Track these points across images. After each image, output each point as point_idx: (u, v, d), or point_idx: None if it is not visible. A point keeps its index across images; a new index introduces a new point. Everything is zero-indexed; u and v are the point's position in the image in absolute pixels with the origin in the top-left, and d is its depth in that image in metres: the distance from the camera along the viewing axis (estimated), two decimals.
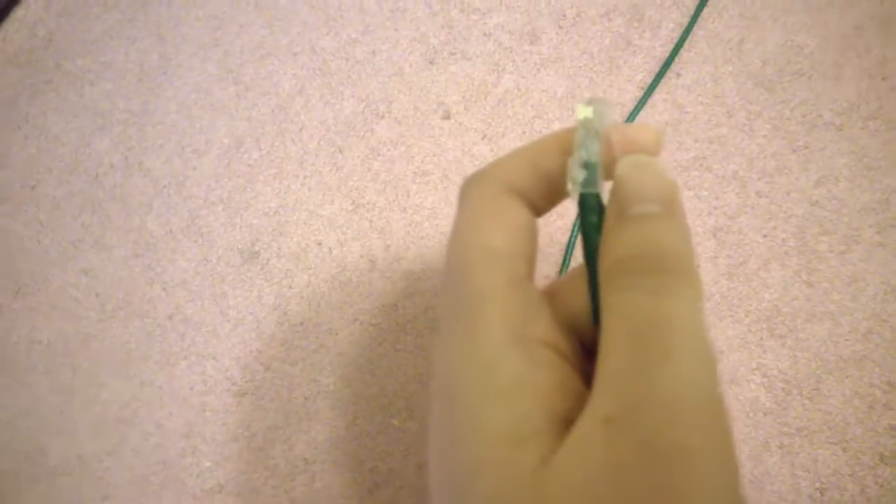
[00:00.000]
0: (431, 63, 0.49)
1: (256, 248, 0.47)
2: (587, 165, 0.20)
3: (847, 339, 0.44)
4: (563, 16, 0.49)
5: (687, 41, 0.48)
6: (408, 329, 0.45)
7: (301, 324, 0.46)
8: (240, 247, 0.47)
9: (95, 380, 0.46)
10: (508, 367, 0.17)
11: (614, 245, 0.18)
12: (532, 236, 0.21)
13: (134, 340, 0.46)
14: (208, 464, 0.44)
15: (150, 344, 0.46)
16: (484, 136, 0.48)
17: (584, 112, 0.20)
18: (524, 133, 0.48)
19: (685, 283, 0.17)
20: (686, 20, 0.48)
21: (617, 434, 0.14)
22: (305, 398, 0.45)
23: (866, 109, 0.47)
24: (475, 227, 0.20)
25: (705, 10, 0.48)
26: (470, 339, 0.18)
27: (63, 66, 0.52)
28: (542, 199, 0.22)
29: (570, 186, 0.20)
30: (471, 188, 0.22)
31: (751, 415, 0.43)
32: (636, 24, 0.48)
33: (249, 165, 0.49)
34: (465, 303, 0.18)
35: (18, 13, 0.52)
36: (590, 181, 0.20)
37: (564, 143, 0.21)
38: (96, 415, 0.45)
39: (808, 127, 0.47)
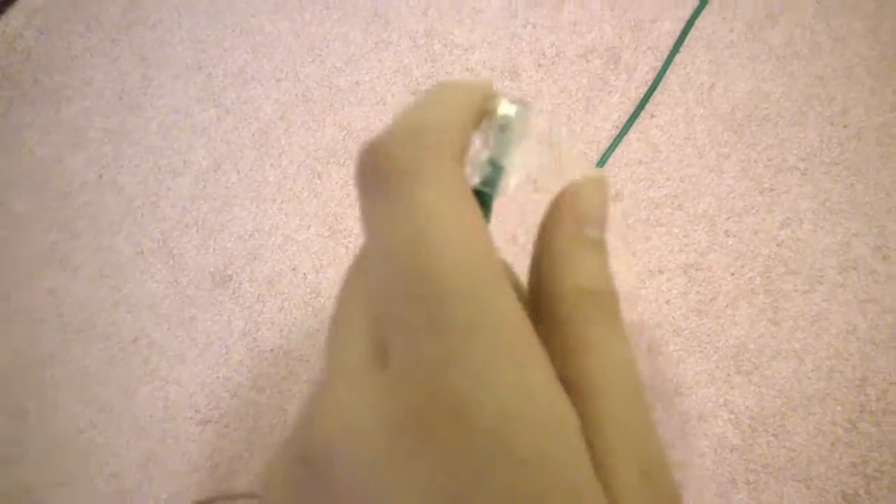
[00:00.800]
0: (413, 94, 0.51)
1: (229, 272, 0.47)
2: (493, 164, 0.19)
3: (810, 378, 0.45)
4: (543, 55, 0.51)
5: (661, 84, 0.50)
6: None
7: (271, 350, 0.46)
8: (212, 270, 0.47)
9: (52, 403, 0.45)
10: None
11: (579, 268, 0.18)
12: None
13: (95, 363, 0.46)
14: (165, 496, 0.43)
15: (112, 368, 0.46)
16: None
17: (507, 109, 0.19)
18: None
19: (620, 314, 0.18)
20: (660, 64, 0.51)
21: None
22: (272, 427, 0.44)
23: (828, 155, 0.50)
24: (464, 227, 0.15)
25: (678, 55, 0.51)
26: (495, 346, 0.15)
27: (41, 81, 0.52)
28: None
29: (468, 171, 0.19)
30: (420, 155, 0.16)
31: (718, 451, 0.44)
32: (613, 66, 0.51)
33: (226, 188, 0.49)
34: (487, 328, 0.15)
35: None
36: (490, 181, 0.19)
37: (476, 107, 0.18)
38: (50, 439, 0.44)
39: (774, 170, 0.50)
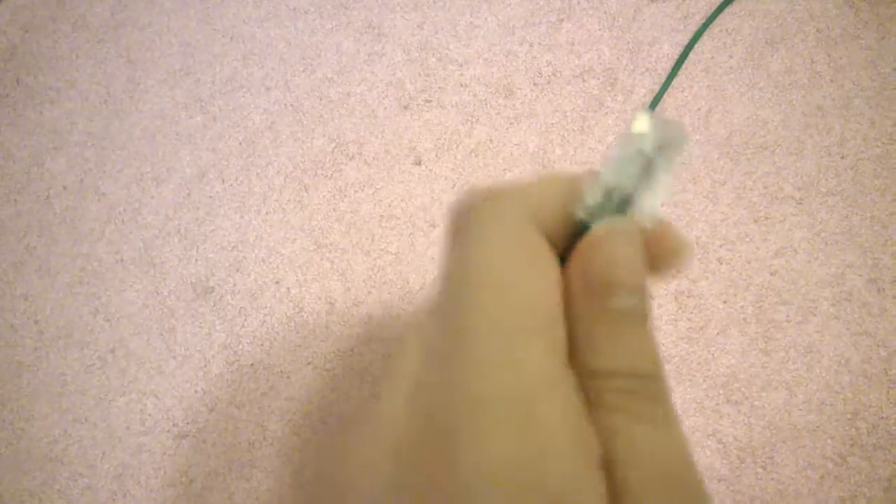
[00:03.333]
0: (406, 108, 0.55)
1: (211, 284, 0.51)
2: (607, 191, 0.18)
3: (801, 409, 0.49)
4: (539, 73, 0.56)
5: (657, 107, 0.55)
6: (363, 376, 0.49)
7: (251, 365, 0.49)
8: (193, 281, 0.51)
9: (25, 412, 0.48)
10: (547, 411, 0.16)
11: (603, 353, 0.16)
12: (561, 290, 0.18)
13: (71, 373, 0.49)
14: None
15: (88, 377, 0.49)
16: (454, 185, 0.53)
17: (640, 126, 0.18)
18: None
19: (672, 411, 0.16)
20: (657, 87, 0.55)
21: None
22: (250, 444, 0.48)
23: (825, 185, 0.54)
24: (506, 272, 0.17)
25: (676, 79, 0.55)
26: (532, 440, 0.16)
27: (23, 81, 0.56)
28: (566, 248, 0.19)
29: (577, 206, 0.18)
30: (487, 214, 0.18)
31: (706, 481, 0.48)
32: (609, 88, 0.55)
33: (210, 197, 0.53)
34: (513, 388, 0.16)
35: None
36: (600, 210, 0.18)
37: (564, 184, 0.19)
38: (22, 450, 0.47)
39: (770, 199, 0.54)
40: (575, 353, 0.17)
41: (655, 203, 0.18)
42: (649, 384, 0.16)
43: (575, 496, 0.15)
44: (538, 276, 0.17)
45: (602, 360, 0.17)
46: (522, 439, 0.15)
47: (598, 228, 0.17)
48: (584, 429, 0.16)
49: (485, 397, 0.15)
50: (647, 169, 0.18)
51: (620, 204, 0.18)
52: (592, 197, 0.18)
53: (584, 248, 0.17)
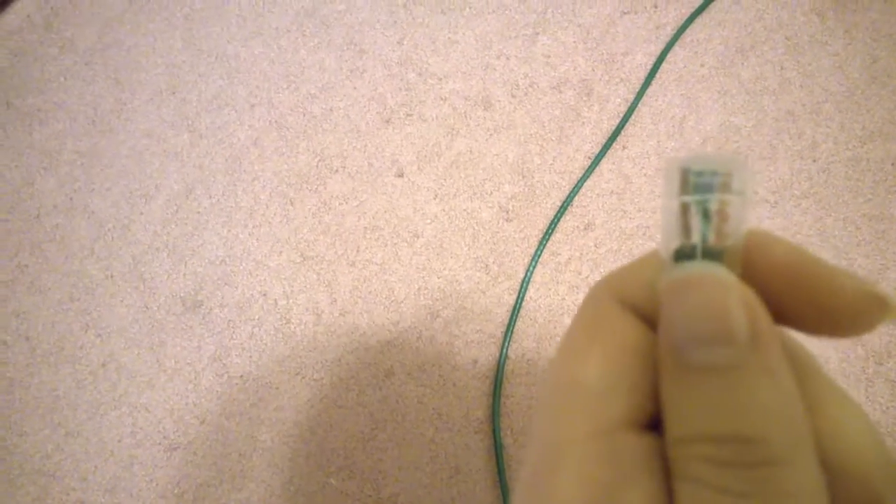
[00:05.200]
0: (388, 122, 0.59)
1: (200, 297, 0.54)
2: (677, 252, 0.17)
3: None
4: (517, 85, 0.59)
5: (633, 116, 0.58)
6: (351, 385, 0.52)
7: (241, 377, 0.52)
8: (182, 295, 0.54)
9: (17, 428, 0.51)
10: None
11: (679, 416, 0.15)
12: (645, 359, 0.17)
13: (63, 388, 0.52)
14: None
15: (80, 392, 0.52)
16: (436, 196, 0.57)
17: (666, 181, 0.17)
18: (475, 194, 0.57)
19: (797, 477, 0.14)
20: (632, 96, 0.59)
21: None
22: (240, 454, 0.50)
23: (798, 188, 0.58)
24: (569, 351, 0.18)
25: (650, 88, 0.59)
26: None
27: (13, 103, 0.59)
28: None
29: (659, 276, 0.17)
30: (587, 296, 0.19)
31: None
32: (585, 98, 0.59)
33: (198, 213, 0.57)
34: (541, 454, 0.17)
35: None
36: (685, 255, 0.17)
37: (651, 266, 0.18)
38: (15, 465, 0.50)
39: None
40: (665, 423, 0.16)
41: (737, 240, 0.16)
42: (746, 451, 0.14)
43: None
44: (600, 351, 0.17)
45: (681, 425, 0.15)
46: None
47: (664, 282, 0.16)
48: None
49: None
50: (705, 216, 0.16)
51: (707, 258, 0.17)
52: (666, 264, 0.17)
53: (663, 304, 0.16)
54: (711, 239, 0.16)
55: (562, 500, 0.16)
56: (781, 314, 0.16)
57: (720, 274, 0.16)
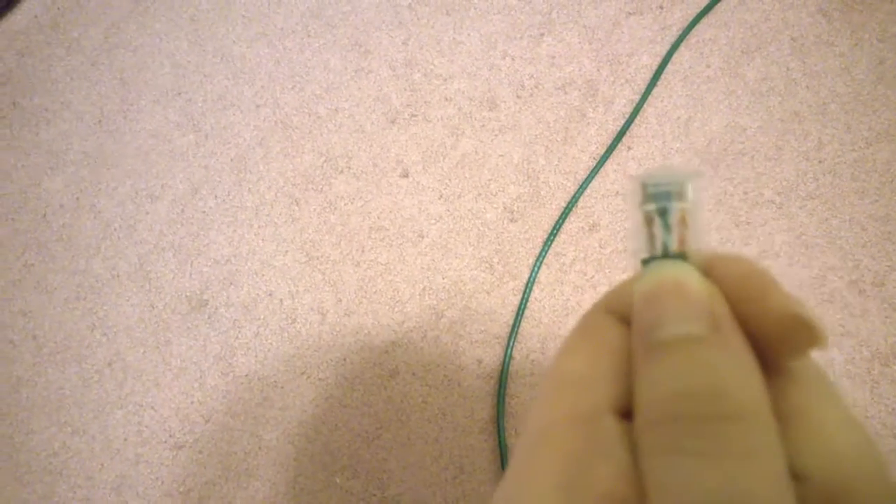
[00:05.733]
0: (392, 123, 0.59)
1: (205, 297, 0.55)
2: (646, 260, 0.19)
3: None
4: (522, 86, 0.60)
5: (638, 117, 0.59)
6: (355, 385, 0.52)
7: (246, 376, 0.53)
8: (188, 294, 0.55)
9: (24, 426, 0.52)
10: None
11: (642, 387, 0.16)
12: (627, 357, 0.18)
13: (69, 386, 0.53)
14: None
15: (86, 391, 0.53)
16: (441, 196, 0.57)
17: (631, 192, 0.19)
18: (480, 195, 0.57)
19: (754, 434, 0.14)
20: (637, 97, 0.59)
21: None
22: (246, 453, 0.51)
23: (804, 189, 0.58)
24: (561, 351, 0.19)
25: (655, 88, 0.60)
26: (517, 485, 0.17)
27: (20, 103, 0.60)
28: None
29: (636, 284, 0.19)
30: (586, 311, 0.21)
31: None
32: (591, 99, 0.60)
33: (204, 213, 0.57)
34: (526, 440, 0.18)
35: None
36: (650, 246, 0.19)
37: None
38: (22, 463, 0.51)
39: (750, 204, 0.58)
40: (634, 416, 0.17)
41: (698, 246, 0.18)
42: (696, 405, 0.14)
43: None
44: (588, 347, 0.19)
45: (643, 396, 0.16)
46: None
47: (636, 283, 0.18)
48: None
49: None
50: (665, 223, 0.18)
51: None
52: (640, 272, 0.19)
53: (636, 292, 0.18)
54: (674, 244, 0.18)
55: (539, 472, 0.17)
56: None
57: (681, 265, 0.17)
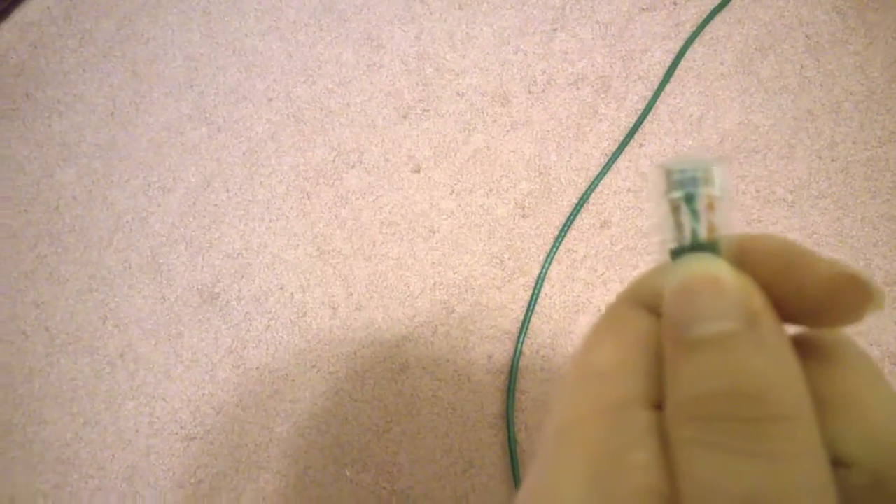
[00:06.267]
0: (404, 118, 0.60)
1: (217, 290, 0.55)
2: (675, 252, 0.18)
3: None
4: (534, 82, 0.60)
5: (650, 114, 0.59)
6: (366, 379, 0.53)
7: (257, 368, 0.53)
8: (200, 287, 0.55)
9: (37, 416, 0.52)
10: None
11: (677, 384, 0.16)
12: (656, 347, 0.19)
13: (81, 377, 0.53)
14: None
15: (98, 382, 0.53)
16: (452, 192, 0.58)
17: (653, 182, 0.19)
18: (491, 191, 0.58)
19: (796, 436, 0.14)
20: (650, 94, 0.59)
21: None
22: (256, 445, 0.52)
23: (816, 188, 0.58)
24: (586, 344, 0.19)
25: (668, 85, 0.60)
26: (546, 479, 0.17)
27: (33, 95, 0.60)
28: None
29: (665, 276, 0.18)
30: (609, 305, 0.21)
31: None
32: (603, 95, 0.60)
33: (216, 206, 0.58)
34: (550, 436, 0.18)
35: None
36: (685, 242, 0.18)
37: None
38: (35, 453, 0.52)
39: (762, 202, 0.58)
40: (666, 411, 0.17)
41: (728, 232, 0.18)
42: (738, 406, 0.14)
43: None
44: (613, 339, 0.19)
45: (676, 393, 0.16)
46: None
47: (668, 278, 0.18)
48: None
49: None
50: (693, 210, 0.18)
51: (701, 251, 0.18)
52: (664, 262, 0.18)
53: (668, 290, 0.18)
54: (702, 232, 0.17)
55: (569, 466, 0.16)
56: (778, 310, 0.17)
57: (711, 258, 0.17)
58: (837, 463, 0.15)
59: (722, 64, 0.60)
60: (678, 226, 0.18)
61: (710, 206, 0.18)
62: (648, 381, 0.17)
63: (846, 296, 0.16)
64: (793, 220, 0.58)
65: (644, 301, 0.19)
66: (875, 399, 0.16)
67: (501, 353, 0.54)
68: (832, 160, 0.59)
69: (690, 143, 0.59)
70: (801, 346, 0.17)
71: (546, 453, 0.18)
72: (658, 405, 0.17)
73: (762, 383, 0.14)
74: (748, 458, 0.14)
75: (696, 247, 0.18)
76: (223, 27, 0.63)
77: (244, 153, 0.59)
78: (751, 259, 0.17)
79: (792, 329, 0.18)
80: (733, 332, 0.15)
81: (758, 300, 0.16)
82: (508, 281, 0.55)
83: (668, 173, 0.18)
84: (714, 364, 0.15)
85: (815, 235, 0.57)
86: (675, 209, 0.18)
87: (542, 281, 0.55)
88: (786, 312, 0.17)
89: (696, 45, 0.61)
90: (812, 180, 0.58)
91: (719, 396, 0.15)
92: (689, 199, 0.18)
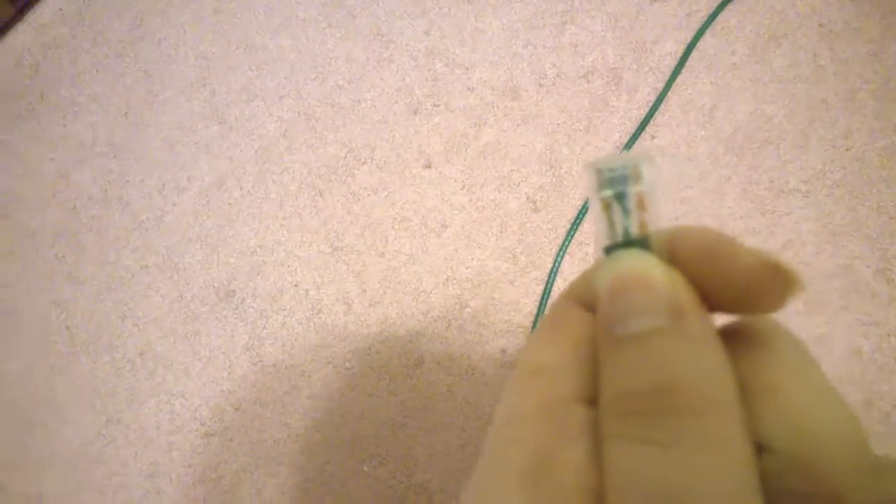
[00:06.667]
0: (415, 113, 0.60)
1: (232, 288, 0.56)
2: (608, 248, 0.19)
3: None
4: (544, 75, 0.60)
5: (662, 105, 0.59)
6: (381, 374, 0.54)
7: (274, 365, 0.54)
8: (216, 285, 0.56)
9: (60, 415, 0.53)
10: None
11: (605, 381, 0.17)
12: (594, 346, 0.19)
13: (102, 376, 0.54)
14: None
15: (119, 380, 0.54)
16: (464, 186, 0.58)
17: (586, 181, 0.19)
18: (503, 185, 0.58)
19: (710, 427, 0.15)
20: (661, 85, 0.59)
21: None
22: (275, 441, 0.53)
23: (831, 178, 0.58)
24: (528, 342, 0.20)
25: (680, 76, 0.59)
26: (484, 478, 0.18)
27: (47, 96, 0.61)
28: None
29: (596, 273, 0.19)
30: (553, 301, 0.22)
31: None
32: (614, 87, 0.60)
33: (229, 204, 0.58)
34: (493, 434, 0.19)
35: (6, 42, 0.62)
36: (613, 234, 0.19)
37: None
38: (59, 451, 0.53)
39: (776, 192, 0.58)
40: (599, 405, 0.17)
41: (658, 227, 0.18)
42: (661, 399, 0.15)
43: None
44: (556, 339, 0.19)
45: (607, 391, 0.16)
46: None
47: (599, 274, 0.18)
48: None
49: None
50: (624, 208, 0.19)
51: (632, 247, 0.19)
52: (600, 259, 0.19)
53: (600, 287, 0.18)
54: (634, 229, 0.18)
55: (507, 462, 0.17)
56: (707, 299, 0.17)
57: (641, 255, 0.18)
58: (762, 448, 0.15)
59: (734, 54, 0.60)
60: (610, 223, 0.18)
61: (641, 203, 0.18)
62: (586, 378, 0.18)
63: (769, 283, 0.16)
64: (807, 211, 0.57)
65: (583, 300, 0.20)
66: (798, 385, 0.17)
67: (515, 347, 0.54)
68: (847, 149, 0.58)
69: (703, 134, 0.59)
70: (734, 334, 0.18)
71: (488, 450, 0.19)
72: (596, 401, 0.17)
73: (680, 376, 0.15)
74: (664, 448, 0.14)
75: (628, 243, 0.18)
76: (234, 25, 0.63)
77: (256, 151, 0.59)
78: (681, 252, 0.18)
79: (725, 318, 0.18)
80: (658, 327, 0.16)
81: (684, 294, 0.17)
82: (521, 275, 0.56)
83: (599, 172, 0.18)
84: (638, 360, 0.16)
85: (829, 225, 0.57)
86: (607, 207, 0.18)
87: (555, 275, 0.55)
88: (716, 302, 0.17)
89: (707, 35, 0.60)
90: (826, 170, 0.58)
91: (641, 392, 0.15)
92: (620, 197, 0.18)
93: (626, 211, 0.18)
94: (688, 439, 0.14)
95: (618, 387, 0.16)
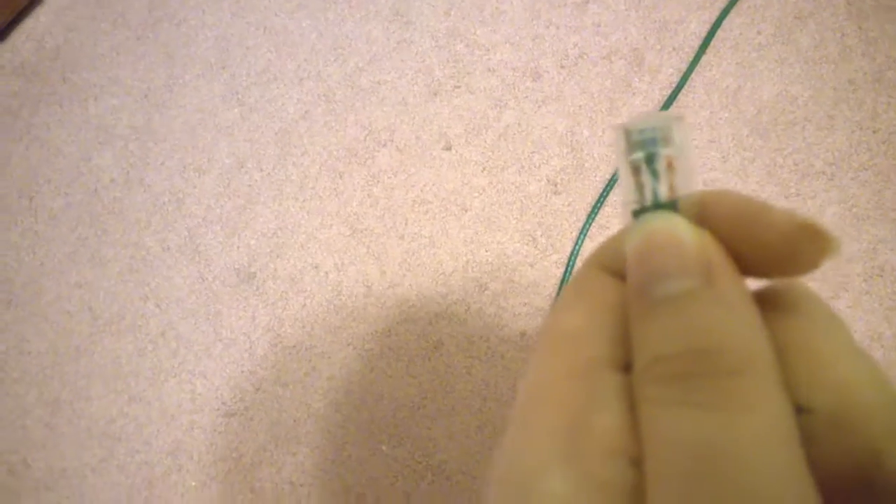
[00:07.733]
0: (435, 95, 0.60)
1: (253, 269, 0.56)
2: (636, 211, 0.18)
3: None
4: (566, 56, 0.60)
5: (685, 86, 0.58)
6: (400, 355, 0.54)
7: (294, 346, 0.55)
8: (236, 267, 0.57)
9: (84, 393, 0.54)
10: (546, 490, 0.16)
11: (640, 345, 0.17)
12: (622, 311, 0.19)
13: (125, 355, 0.55)
14: (194, 483, 0.52)
15: (141, 360, 0.55)
16: (484, 169, 0.58)
17: (614, 141, 0.19)
18: (524, 167, 0.58)
19: (753, 388, 0.15)
20: (685, 66, 0.59)
21: None
22: (295, 421, 0.53)
23: (857, 160, 0.57)
24: (554, 309, 0.20)
25: (704, 57, 0.59)
26: (515, 447, 0.18)
27: (69, 79, 0.61)
28: None
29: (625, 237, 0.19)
30: (578, 267, 0.21)
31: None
32: (636, 68, 0.59)
33: (249, 186, 0.59)
34: (523, 399, 0.18)
35: (27, 25, 0.63)
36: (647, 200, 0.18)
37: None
38: (83, 429, 0.54)
39: (801, 175, 0.57)
40: (634, 371, 0.17)
41: (689, 191, 0.18)
42: (697, 363, 0.15)
43: None
44: (583, 305, 0.19)
45: (642, 355, 0.16)
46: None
47: (627, 237, 0.18)
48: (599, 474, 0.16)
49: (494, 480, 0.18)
50: (653, 170, 0.18)
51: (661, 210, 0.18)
52: (628, 224, 0.19)
53: (628, 249, 0.18)
54: (663, 192, 0.18)
55: (540, 426, 0.17)
56: (739, 263, 0.17)
57: (671, 216, 0.17)
58: (800, 409, 0.15)
59: (759, 34, 0.59)
60: (639, 186, 0.18)
61: (671, 166, 0.18)
62: (615, 343, 0.18)
63: (804, 244, 0.16)
64: (832, 194, 0.57)
65: (609, 265, 0.20)
66: (833, 346, 0.16)
67: (534, 330, 0.54)
68: (874, 131, 0.58)
69: (727, 115, 0.58)
70: (764, 299, 0.17)
71: (519, 415, 0.18)
72: (626, 367, 0.17)
73: (719, 338, 0.15)
74: (706, 410, 0.14)
75: (657, 206, 0.18)
76: (252, 6, 0.63)
77: (276, 133, 0.60)
78: (712, 216, 0.18)
79: (756, 283, 0.18)
80: (692, 289, 0.16)
81: (716, 256, 0.17)
82: (541, 258, 0.55)
83: (628, 134, 0.18)
84: (673, 323, 0.16)
85: (854, 209, 0.57)
86: (636, 170, 0.18)
87: (575, 258, 0.55)
88: (748, 266, 0.17)
89: (732, 14, 0.60)
90: (853, 152, 0.57)
91: (679, 355, 0.15)
92: (650, 159, 0.18)
93: (655, 174, 0.18)
94: (730, 400, 0.14)
95: (654, 351, 0.16)
